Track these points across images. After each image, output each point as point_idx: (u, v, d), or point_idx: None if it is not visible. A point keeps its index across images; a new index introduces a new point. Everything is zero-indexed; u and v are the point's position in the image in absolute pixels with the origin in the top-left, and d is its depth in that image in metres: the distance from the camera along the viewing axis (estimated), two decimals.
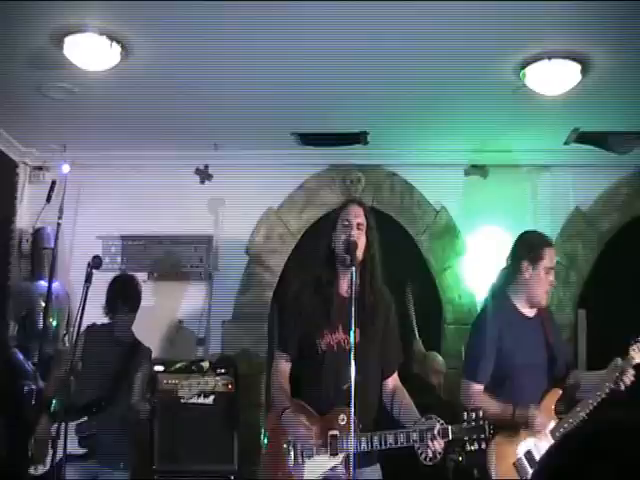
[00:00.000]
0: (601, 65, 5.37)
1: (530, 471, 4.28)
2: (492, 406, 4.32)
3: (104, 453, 5.18)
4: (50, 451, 5.07)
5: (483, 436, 3.84)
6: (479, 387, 4.48)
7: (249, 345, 7.42)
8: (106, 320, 5.63)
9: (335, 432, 3.85)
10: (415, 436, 3.82)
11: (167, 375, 6.51)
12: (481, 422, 3.85)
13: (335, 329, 3.99)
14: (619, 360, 4.49)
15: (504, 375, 4.50)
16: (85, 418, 5.16)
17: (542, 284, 4.51)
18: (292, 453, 3.89)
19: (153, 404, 5.38)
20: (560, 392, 4.51)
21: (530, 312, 4.61)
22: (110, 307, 5.61)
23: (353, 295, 3.71)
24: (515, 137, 7.01)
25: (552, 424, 4.38)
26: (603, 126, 6.74)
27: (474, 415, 3.86)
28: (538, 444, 4.33)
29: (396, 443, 3.85)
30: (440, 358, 6.95)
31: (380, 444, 3.85)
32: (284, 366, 4.12)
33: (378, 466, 4.10)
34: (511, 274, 4.67)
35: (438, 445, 3.80)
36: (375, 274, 4.09)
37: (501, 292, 4.71)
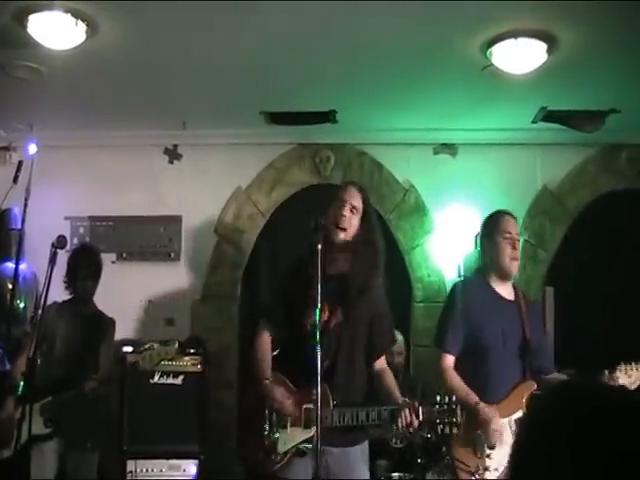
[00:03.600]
0: (567, 44, 5.38)
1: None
2: (459, 388, 4.38)
3: (69, 434, 5.14)
4: (15, 434, 5.03)
5: (455, 420, 3.87)
6: (450, 358, 4.52)
7: (218, 325, 7.42)
8: (67, 297, 5.60)
9: (310, 405, 3.88)
10: (386, 414, 3.85)
11: (136, 355, 6.52)
12: (453, 406, 3.88)
13: (321, 308, 4.01)
14: (605, 374, 4.51)
15: (473, 350, 4.53)
16: (49, 398, 5.12)
17: (503, 251, 4.52)
18: (267, 424, 3.92)
19: (116, 378, 5.41)
20: (535, 386, 4.50)
21: (507, 294, 4.60)
22: (70, 277, 5.59)
23: (319, 275, 3.71)
24: (483, 116, 7.03)
25: (519, 414, 4.38)
26: (570, 105, 6.77)
27: (447, 399, 3.89)
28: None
29: (367, 420, 3.88)
30: (400, 338, 6.90)
31: (352, 419, 3.88)
32: (267, 339, 4.20)
33: (363, 445, 4.14)
34: (478, 257, 4.72)
35: (408, 421, 3.81)
36: (370, 261, 4.11)
37: (475, 271, 4.75)
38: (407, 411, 3.82)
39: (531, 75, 5.73)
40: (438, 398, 3.91)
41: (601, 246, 7.36)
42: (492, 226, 4.65)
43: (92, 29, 5.23)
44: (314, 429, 3.83)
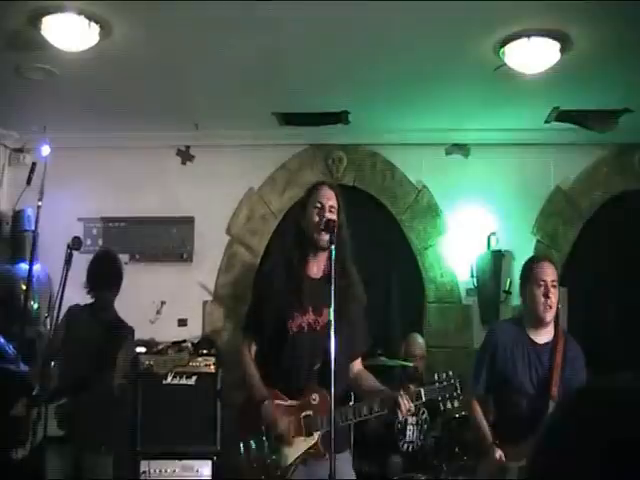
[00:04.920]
0: (580, 43, 5.37)
1: None
2: (479, 426, 4.43)
3: (84, 437, 5.10)
4: (31, 434, 5.02)
5: (456, 394, 3.88)
6: (477, 402, 4.56)
7: (231, 326, 7.42)
8: (88, 300, 5.55)
9: (309, 412, 3.86)
10: (389, 403, 3.82)
11: (149, 356, 6.53)
12: (452, 381, 3.88)
13: (305, 311, 3.97)
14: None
15: (500, 392, 4.53)
16: (65, 400, 5.05)
17: (537, 299, 4.46)
18: (267, 442, 3.87)
19: (131, 382, 5.31)
20: None
21: (542, 339, 4.55)
22: (91, 285, 5.50)
23: (333, 274, 3.68)
24: (496, 116, 7.02)
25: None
26: (583, 104, 6.75)
27: (445, 375, 3.89)
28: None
29: (370, 412, 3.86)
30: (422, 340, 6.87)
31: (355, 416, 3.86)
32: (250, 352, 4.06)
33: (348, 453, 4.12)
34: (522, 306, 4.71)
35: (409, 404, 3.80)
36: (346, 257, 4.06)
37: (515, 319, 4.74)
38: (405, 397, 3.80)
39: (544, 75, 5.72)
40: (437, 376, 3.91)
41: (614, 246, 7.34)
42: (527, 273, 4.60)
43: (105, 31, 5.24)
44: (316, 435, 3.83)
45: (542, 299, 4.43)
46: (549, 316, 4.46)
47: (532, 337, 4.50)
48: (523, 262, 4.72)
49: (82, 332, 5.36)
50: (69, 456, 5.08)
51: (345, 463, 4.05)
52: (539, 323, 4.48)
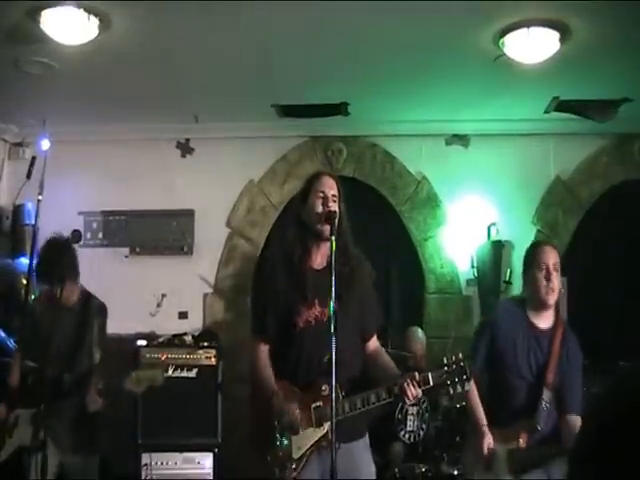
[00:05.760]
0: (580, 33, 5.36)
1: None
2: (474, 406, 4.42)
3: (65, 441, 4.89)
4: (8, 440, 4.88)
5: (465, 377, 3.85)
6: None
7: (232, 318, 7.43)
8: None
9: (318, 403, 3.86)
10: (396, 390, 3.81)
11: (150, 349, 6.54)
12: (461, 364, 3.85)
13: (311, 304, 3.94)
14: None
15: (497, 373, 4.51)
16: (41, 406, 4.54)
17: (538, 283, 4.46)
18: (278, 435, 3.87)
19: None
20: (536, 426, 4.33)
21: (543, 323, 4.55)
22: (42, 279, 5.09)
23: (333, 265, 3.67)
24: (495, 106, 7.01)
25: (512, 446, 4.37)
26: (583, 94, 6.74)
27: (453, 358, 3.87)
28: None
29: (378, 400, 3.84)
30: (421, 334, 6.87)
31: (363, 404, 3.85)
32: (263, 350, 4.02)
33: (365, 439, 4.11)
34: (523, 289, 4.69)
35: (415, 391, 3.79)
36: (348, 244, 4.04)
37: (517, 301, 4.71)
38: (411, 382, 3.79)
39: (543, 65, 5.71)
40: (445, 360, 3.89)
41: (614, 236, 7.35)
42: (529, 257, 4.60)
43: (104, 24, 5.23)
44: (327, 425, 3.82)
45: (544, 282, 4.43)
46: (551, 299, 4.46)
47: (533, 321, 4.50)
48: (525, 249, 4.72)
49: (51, 322, 4.92)
50: (53, 459, 4.71)
51: (363, 450, 4.05)
52: (541, 306, 4.48)
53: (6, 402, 5.02)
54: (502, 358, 4.46)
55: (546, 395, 4.35)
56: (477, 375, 4.43)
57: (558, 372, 4.41)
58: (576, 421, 4.32)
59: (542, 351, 4.44)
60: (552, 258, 4.51)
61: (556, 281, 4.46)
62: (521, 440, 4.33)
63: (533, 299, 4.51)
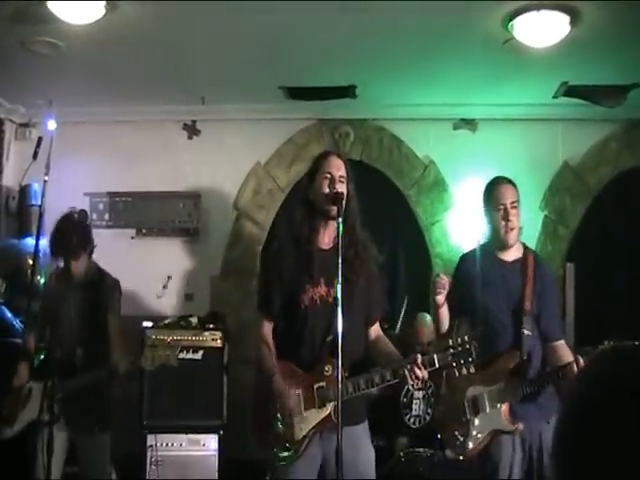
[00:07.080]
0: (590, 17, 5.32)
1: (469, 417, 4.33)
2: (440, 314, 4.47)
3: (77, 420, 4.89)
4: (21, 412, 4.91)
5: (471, 359, 3.83)
6: None
7: (238, 300, 7.43)
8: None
9: (322, 384, 3.85)
10: (402, 371, 3.80)
11: (156, 330, 6.54)
12: (467, 346, 3.83)
13: (317, 283, 3.94)
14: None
15: (469, 312, 4.46)
16: (53, 381, 4.52)
17: (498, 223, 4.45)
18: (280, 417, 3.86)
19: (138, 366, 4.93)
20: (518, 356, 4.31)
21: (509, 256, 4.53)
22: (54, 252, 5.08)
23: (340, 247, 3.66)
24: (504, 91, 6.97)
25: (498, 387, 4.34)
26: (592, 79, 6.70)
27: (459, 340, 3.84)
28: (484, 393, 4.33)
29: (382, 381, 3.83)
30: (429, 319, 6.84)
31: (367, 385, 3.84)
32: (267, 328, 4.04)
33: (365, 424, 4.11)
34: (486, 228, 4.66)
35: (421, 373, 3.77)
36: (355, 226, 4.02)
37: (484, 244, 4.68)
38: (417, 363, 3.77)
39: (553, 49, 5.67)
40: (450, 342, 3.86)
41: (622, 222, 7.32)
42: (487, 197, 4.58)
43: (111, 4, 5.21)
44: (329, 406, 3.82)
45: (502, 222, 4.43)
46: (511, 238, 4.46)
47: (500, 257, 4.50)
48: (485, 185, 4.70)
49: (65, 299, 5.01)
50: (63, 437, 4.82)
51: (363, 435, 4.05)
52: (504, 247, 4.49)
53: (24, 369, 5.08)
54: (475, 298, 4.43)
55: (526, 322, 4.34)
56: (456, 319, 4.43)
57: (534, 299, 4.40)
58: (559, 347, 4.35)
59: (515, 281, 4.44)
60: (509, 197, 4.49)
61: (515, 219, 4.46)
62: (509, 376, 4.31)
63: (496, 240, 4.50)
